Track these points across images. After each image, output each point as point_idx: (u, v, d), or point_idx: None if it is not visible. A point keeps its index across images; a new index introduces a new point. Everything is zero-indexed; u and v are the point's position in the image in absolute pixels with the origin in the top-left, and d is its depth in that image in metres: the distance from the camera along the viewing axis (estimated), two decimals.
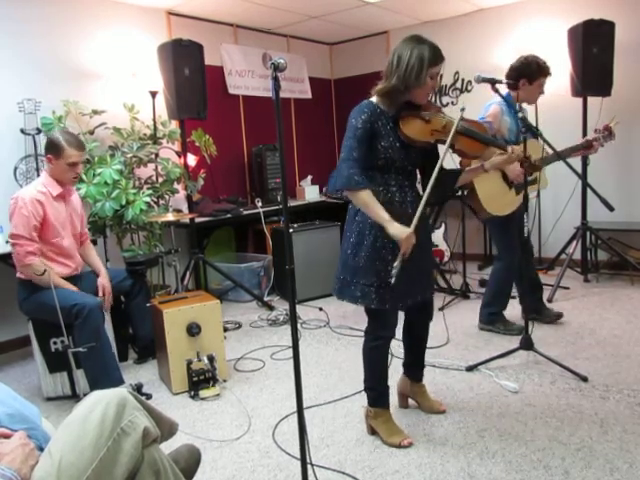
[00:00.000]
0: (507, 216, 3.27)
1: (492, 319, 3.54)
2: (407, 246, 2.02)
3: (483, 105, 3.37)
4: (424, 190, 2.11)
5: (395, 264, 2.01)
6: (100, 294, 3.04)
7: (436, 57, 2.07)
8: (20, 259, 2.78)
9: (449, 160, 2.41)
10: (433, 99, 5.83)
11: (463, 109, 2.12)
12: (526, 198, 2.90)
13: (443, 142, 2.16)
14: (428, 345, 2.57)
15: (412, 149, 2.19)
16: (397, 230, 2.02)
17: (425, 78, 2.07)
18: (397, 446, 2.26)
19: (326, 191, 2.27)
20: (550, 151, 3.18)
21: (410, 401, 2.62)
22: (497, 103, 3.27)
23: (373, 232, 2.14)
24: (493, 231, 3.53)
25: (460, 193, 4.39)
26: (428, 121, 2.18)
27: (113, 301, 3.15)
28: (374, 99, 2.17)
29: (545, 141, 2.82)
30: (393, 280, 1.99)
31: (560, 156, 2.95)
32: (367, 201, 2.07)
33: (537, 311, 3.60)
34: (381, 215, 2.05)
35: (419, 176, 2.36)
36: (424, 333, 2.51)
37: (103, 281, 3.10)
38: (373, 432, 2.38)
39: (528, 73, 3.22)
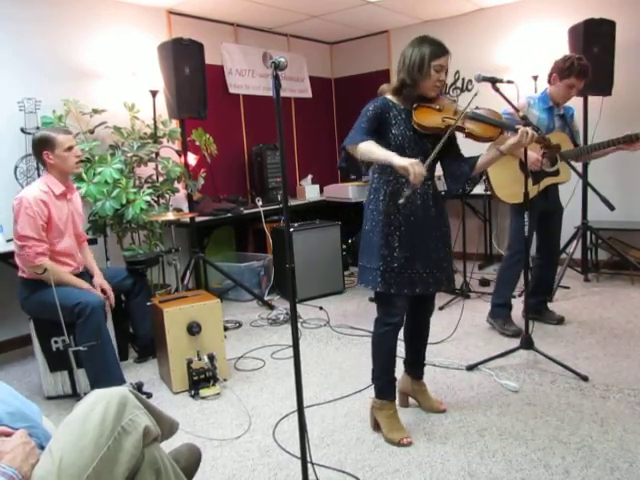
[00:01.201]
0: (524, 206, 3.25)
1: (496, 312, 3.52)
2: (416, 175, 2.04)
3: (484, 104, 3.36)
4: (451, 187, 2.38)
5: (405, 191, 2.11)
6: (98, 292, 3.00)
7: (437, 50, 2.20)
8: (30, 260, 2.76)
9: (465, 149, 2.43)
10: None
11: (476, 94, 2.25)
12: (527, 196, 2.90)
13: (455, 128, 2.26)
14: (432, 341, 2.59)
15: (425, 138, 2.26)
16: (403, 160, 2.08)
17: (428, 70, 2.19)
18: (396, 444, 2.27)
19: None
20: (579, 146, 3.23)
21: (411, 400, 2.63)
22: (525, 97, 3.30)
23: (382, 218, 2.26)
24: (511, 219, 3.51)
25: (461, 192, 4.42)
26: (440, 110, 2.29)
27: (115, 298, 3.14)
28: (387, 96, 2.31)
29: (550, 144, 2.82)
30: (402, 201, 2.09)
31: (563, 157, 2.95)
32: (368, 148, 2.15)
33: (538, 312, 3.59)
34: (385, 153, 2.13)
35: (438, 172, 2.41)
36: (425, 329, 2.53)
37: (99, 280, 3.07)
38: (376, 427, 2.38)
39: (560, 69, 3.24)
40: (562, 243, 4.61)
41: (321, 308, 4.29)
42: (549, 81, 3.33)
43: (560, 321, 3.60)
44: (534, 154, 3.19)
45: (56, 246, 2.90)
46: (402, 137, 2.24)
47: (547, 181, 3.32)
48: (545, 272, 3.55)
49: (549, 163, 3.29)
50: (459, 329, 3.55)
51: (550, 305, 3.76)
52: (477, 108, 2.32)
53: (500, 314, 3.50)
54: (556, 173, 3.33)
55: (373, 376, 2.41)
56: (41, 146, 2.86)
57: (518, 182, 3.21)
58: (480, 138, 2.35)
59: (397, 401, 2.58)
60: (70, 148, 2.90)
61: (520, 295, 3.92)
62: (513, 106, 2.81)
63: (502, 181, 3.28)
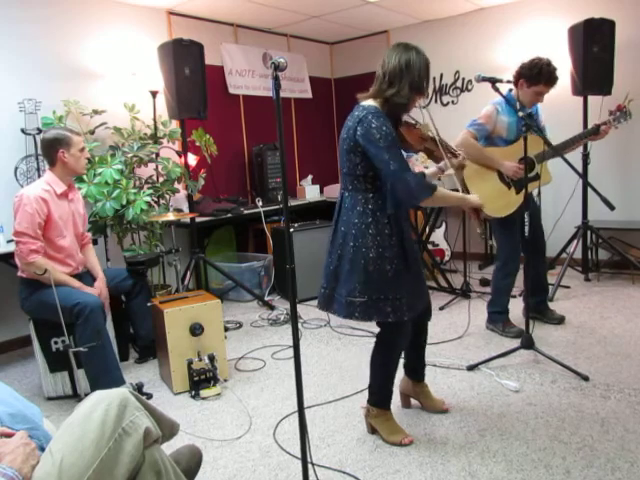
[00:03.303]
0: (509, 215, 3.25)
1: (494, 318, 3.52)
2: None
3: (484, 104, 3.36)
4: None
5: (479, 230, 2.32)
6: (96, 294, 2.99)
7: (428, 60, 2.12)
8: (23, 257, 2.77)
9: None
10: (434, 97, 5.84)
11: (426, 106, 2.24)
12: (527, 199, 2.89)
13: (426, 150, 2.27)
14: (433, 341, 2.59)
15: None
16: (477, 199, 2.20)
17: (428, 83, 2.12)
18: (398, 444, 2.27)
19: (394, 206, 2.07)
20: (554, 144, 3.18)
21: (412, 401, 2.62)
22: (493, 103, 3.25)
23: (394, 241, 2.12)
24: (495, 229, 3.51)
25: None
26: (417, 128, 2.22)
27: (112, 302, 3.14)
28: (374, 103, 2.11)
29: (546, 142, 2.82)
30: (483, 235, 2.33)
31: (559, 153, 2.94)
32: (444, 194, 2.14)
33: (539, 312, 3.59)
34: (459, 195, 2.23)
35: None
36: (425, 334, 2.52)
37: (99, 285, 3.07)
38: (373, 431, 2.38)
39: (528, 75, 3.14)
40: (562, 243, 4.65)
41: None
42: (515, 84, 3.20)
43: (561, 321, 3.59)
44: (511, 163, 3.17)
45: (57, 245, 2.91)
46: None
47: (531, 186, 3.29)
48: (536, 271, 3.52)
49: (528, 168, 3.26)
50: (460, 329, 3.56)
51: (550, 305, 3.76)
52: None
53: (498, 319, 3.50)
54: (537, 177, 3.29)
55: (372, 389, 2.36)
56: (57, 144, 2.88)
57: (500, 196, 3.20)
58: (436, 159, 2.37)
59: (399, 402, 2.59)
60: (82, 149, 2.97)
61: (520, 295, 3.91)
62: (513, 106, 2.81)
63: (484, 197, 3.23)
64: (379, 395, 2.35)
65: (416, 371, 2.55)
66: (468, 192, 3.15)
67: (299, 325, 3.86)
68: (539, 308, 3.60)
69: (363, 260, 2.10)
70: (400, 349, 2.29)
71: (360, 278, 2.10)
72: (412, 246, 2.24)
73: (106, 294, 3.08)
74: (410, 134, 2.17)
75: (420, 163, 2.35)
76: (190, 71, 3.98)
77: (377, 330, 2.31)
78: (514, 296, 3.61)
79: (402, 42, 2.12)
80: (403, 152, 2.18)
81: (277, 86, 1.63)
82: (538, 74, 3.11)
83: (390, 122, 2.08)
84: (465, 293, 4.33)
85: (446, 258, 5.22)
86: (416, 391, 2.57)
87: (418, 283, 2.26)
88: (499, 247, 3.48)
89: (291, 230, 4.43)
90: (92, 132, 4.02)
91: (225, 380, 3.02)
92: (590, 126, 3.44)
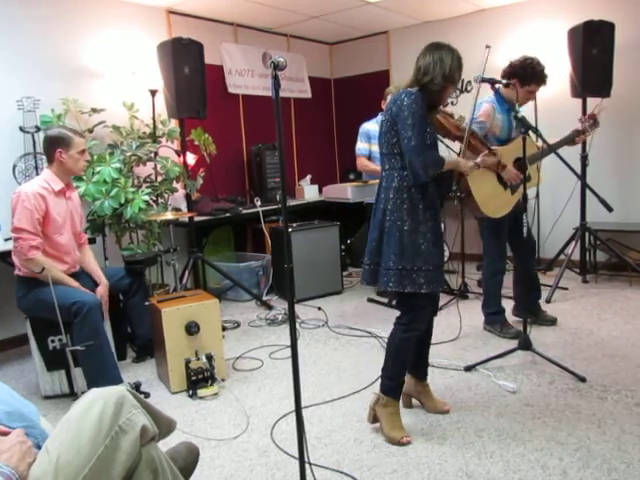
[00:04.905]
0: (499, 218, 3.24)
1: (490, 319, 3.52)
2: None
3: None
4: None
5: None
6: (98, 298, 2.98)
7: (461, 61, 2.33)
8: (23, 253, 2.76)
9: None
10: None
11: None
12: (525, 198, 2.90)
13: (457, 138, 2.46)
14: (435, 341, 2.62)
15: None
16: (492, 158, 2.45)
17: (459, 79, 2.32)
18: (396, 443, 2.27)
19: (414, 180, 2.22)
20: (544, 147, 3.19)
21: (413, 401, 2.62)
22: (488, 101, 3.26)
23: (428, 216, 2.26)
24: (484, 230, 3.50)
25: (458, 194, 4.42)
26: (454, 118, 2.43)
27: (110, 301, 3.13)
28: (416, 91, 2.26)
29: (545, 141, 2.83)
30: None
31: (553, 150, 2.94)
32: (451, 162, 2.35)
33: (532, 312, 3.58)
34: (468, 163, 2.44)
35: None
36: (430, 329, 2.54)
37: (102, 291, 3.04)
38: (374, 420, 2.38)
39: (522, 75, 3.17)
40: (560, 244, 4.65)
41: (319, 308, 4.28)
42: (507, 86, 3.14)
43: (553, 322, 3.59)
44: (512, 169, 3.18)
45: (55, 242, 2.90)
46: (434, 136, 2.30)
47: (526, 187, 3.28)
48: (525, 267, 3.51)
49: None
50: (457, 330, 3.56)
51: (548, 306, 3.76)
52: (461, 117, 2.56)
53: (495, 320, 3.49)
54: (528, 179, 3.29)
55: (385, 375, 2.38)
56: (56, 143, 2.88)
57: (498, 196, 3.21)
58: (474, 149, 2.63)
59: (400, 402, 2.59)
60: (83, 152, 2.95)
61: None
62: (513, 107, 2.82)
63: (485, 197, 3.23)
64: (393, 381, 2.36)
65: (418, 369, 2.56)
66: (471, 192, 3.23)
67: (297, 325, 3.85)
68: (533, 309, 3.58)
69: (398, 232, 2.22)
70: (418, 331, 2.33)
71: (395, 249, 2.22)
72: (440, 225, 2.36)
73: (107, 299, 3.06)
74: (448, 122, 2.39)
75: None
76: (189, 70, 3.97)
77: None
78: (510, 297, 3.61)
79: (434, 42, 2.32)
80: (439, 137, 2.43)
81: (276, 86, 1.63)
82: (532, 74, 3.17)
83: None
84: (463, 294, 4.33)
85: (444, 259, 5.21)
86: (418, 390, 2.58)
87: (442, 262, 2.38)
88: (485, 246, 3.49)
89: (289, 230, 4.43)
90: (91, 130, 4.01)
91: (223, 379, 3.01)
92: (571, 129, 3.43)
